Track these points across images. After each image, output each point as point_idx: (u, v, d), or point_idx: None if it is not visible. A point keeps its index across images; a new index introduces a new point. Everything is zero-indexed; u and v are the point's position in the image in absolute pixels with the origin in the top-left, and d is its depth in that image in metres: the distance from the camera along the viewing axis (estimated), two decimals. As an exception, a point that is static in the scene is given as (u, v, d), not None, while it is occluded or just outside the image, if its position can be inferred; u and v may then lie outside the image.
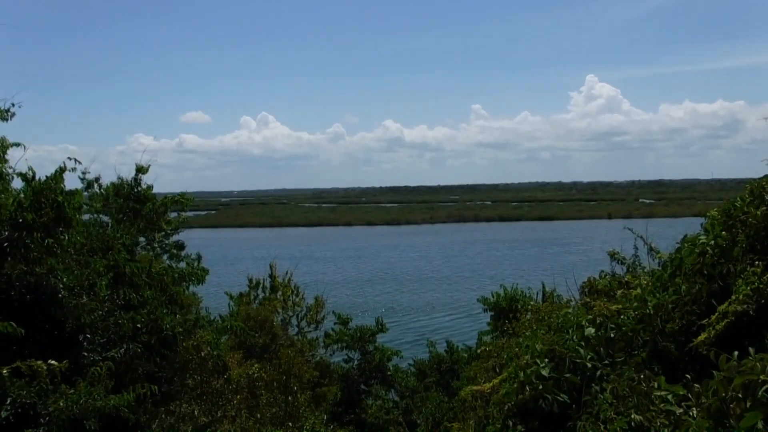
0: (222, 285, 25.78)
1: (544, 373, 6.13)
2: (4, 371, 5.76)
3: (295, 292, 23.45)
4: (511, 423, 6.34)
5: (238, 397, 12.30)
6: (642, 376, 4.81)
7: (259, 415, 12.57)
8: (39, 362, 4.66)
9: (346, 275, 60.07)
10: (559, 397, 5.94)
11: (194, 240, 24.95)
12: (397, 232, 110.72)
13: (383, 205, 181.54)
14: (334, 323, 22.18)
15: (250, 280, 23.48)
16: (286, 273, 24.11)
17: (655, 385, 4.53)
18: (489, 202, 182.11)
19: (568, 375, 6.07)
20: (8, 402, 6.61)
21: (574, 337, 6.48)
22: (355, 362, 21.45)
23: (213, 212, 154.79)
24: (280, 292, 23.11)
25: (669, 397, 4.30)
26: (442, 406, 17.03)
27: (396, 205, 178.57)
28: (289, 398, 14.43)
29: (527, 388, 6.13)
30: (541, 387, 6.04)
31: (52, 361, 4.73)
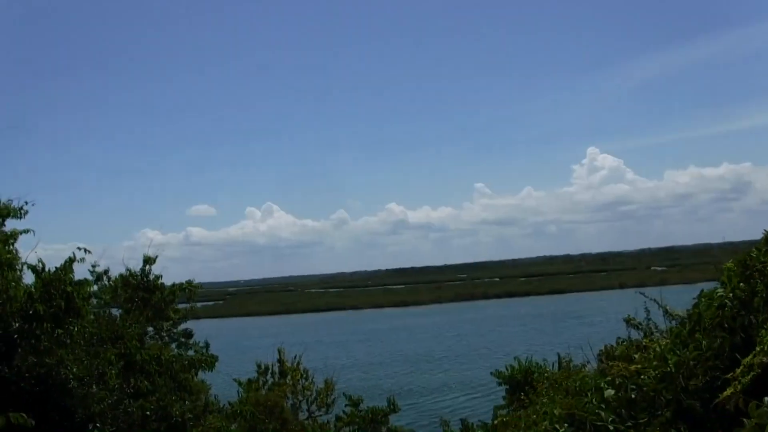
0: (231, 374, 25.34)
1: (566, 438, 5.97)
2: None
3: (305, 375, 23.10)
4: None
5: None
6: (668, 435, 4.68)
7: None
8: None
9: (356, 358, 59.04)
10: (584, 462, 5.76)
11: (203, 330, 24.73)
12: (406, 314, 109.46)
13: (390, 287, 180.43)
14: (345, 405, 21.69)
15: (259, 366, 23.19)
16: (295, 357, 23.81)
17: (683, 442, 4.40)
18: (497, 279, 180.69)
19: (591, 439, 5.90)
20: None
21: (594, 400, 6.32)
22: (369, 445, 20.83)
23: (220, 302, 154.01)
24: (289, 377, 22.77)
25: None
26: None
27: (403, 286, 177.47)
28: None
29: (550, 455, 5.95)
30: (564, 453, 5.87)
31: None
